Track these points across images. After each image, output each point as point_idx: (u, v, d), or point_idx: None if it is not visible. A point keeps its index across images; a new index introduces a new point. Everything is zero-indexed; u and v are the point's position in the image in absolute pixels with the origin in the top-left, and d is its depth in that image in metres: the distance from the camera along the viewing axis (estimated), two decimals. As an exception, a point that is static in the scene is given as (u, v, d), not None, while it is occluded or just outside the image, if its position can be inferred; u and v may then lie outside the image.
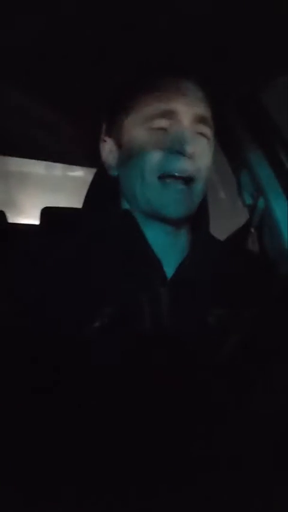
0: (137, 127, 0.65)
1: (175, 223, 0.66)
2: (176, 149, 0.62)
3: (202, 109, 0.65)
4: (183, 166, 0.63)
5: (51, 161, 1.79)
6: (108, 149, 0.70)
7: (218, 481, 0.53)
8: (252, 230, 1.09)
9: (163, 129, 0.64)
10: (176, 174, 0.63)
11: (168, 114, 0.63)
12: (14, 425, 0.54)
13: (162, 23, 0.72)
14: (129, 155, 0.66)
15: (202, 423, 0.55)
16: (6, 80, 0.99)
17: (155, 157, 0.63)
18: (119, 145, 0.68)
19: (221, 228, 0.79)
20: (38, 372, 0.56)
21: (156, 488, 0.52)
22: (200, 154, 0.64)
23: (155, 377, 0.57)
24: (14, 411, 0.54)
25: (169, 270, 0.65)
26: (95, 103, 0.76)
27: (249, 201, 1.11)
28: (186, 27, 0.73)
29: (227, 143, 1.11)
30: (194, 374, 0.57)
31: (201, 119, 0.65)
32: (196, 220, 0.71)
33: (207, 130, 0.66)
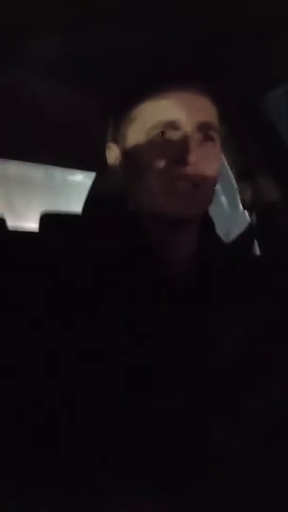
0: (141, 137, 0.66)
1: (181, 224, 0.67)
2: (179, 159, 0.63)
3: (206, 116, 0.66)
4: (186, 174, 0.64)
5: (51, 165, 1.79)
6: (114, 156, 0.71)
7: (217, 481, 0.53)
8: (253, 234, 1.09)
9: (166, 138, 0.65)
10: (181, 181, 0.64)
11: (172, 124, 0.64)
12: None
13: (166, 31, 0.72)
14: (134, 163, 0.67)
15: (203, 425, 0.55)
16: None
17: (158, 165, 0.64)
18: (123, 152, 0.69)
19: (221, 231, 0.79)
20: (38, 376, 0.56)
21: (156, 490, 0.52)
22: (206, 160, 0.65)
23: (158, 377, 0.57)
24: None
25: (175, 271, 0.65)
26: (96, 108, 0.76)
27: (249, 205, 1.11)
28: (190, 35, 0.73)
29: (228, 148, 1.11)
30: (196, 374, 0.57)
31: (205, 126, 0.66)
32: (203, 223, 0.71)
33: (213, 134, 0.67)
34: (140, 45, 0.78)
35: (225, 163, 1.15)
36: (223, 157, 1.13)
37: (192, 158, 0.63)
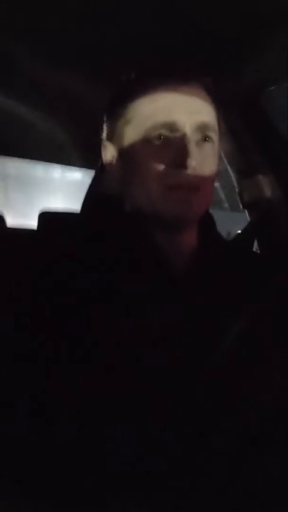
0: (138, 137, 0.64)
1: (180, 225, 0.66)
2: (179, 163, 0.61)
3: (204, 116, 0.64)
4: (186, 178, 0.62)
5: (50, 162, 1.79)
6: (110, 155, 0.69)
7: (217, 481, 0.53)
8: (253, 232, 1.09)
9: (165, 140, 0.63)
10: (180, 186, 0.62)
11: (169, 125, 0.62)
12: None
13: (163, 27, 0.72)
14: (131, 163, 0.65)
15: (201, 422, 0.54)
16: (5, 81, 0.98)
17: (157, 168, 0.62)
18: (120, 152, 0.67)
19: (221, 230, 0.78)
20: (40, 370, 0.56)
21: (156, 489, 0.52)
22: (204, 161, 0.64)
23: (158, 376, 0.56)
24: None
25: (175, 270, 0.65)
26: (94, 105, 0.76)
27: (249, 204, 1.11)
28: (189, 34, 0.73)
29: (227, 146, 1.10)
30: (196, 373, 0.57)
31: (203, 126, 0.64)
32: (203, 221, 0.70)
33: (211, 134, 0.65)
34: (139, 42, 0.78)
35: (225, 162, 1.15)
36: (223, 156, 1.13)
37: (191, 162, 0.61)
